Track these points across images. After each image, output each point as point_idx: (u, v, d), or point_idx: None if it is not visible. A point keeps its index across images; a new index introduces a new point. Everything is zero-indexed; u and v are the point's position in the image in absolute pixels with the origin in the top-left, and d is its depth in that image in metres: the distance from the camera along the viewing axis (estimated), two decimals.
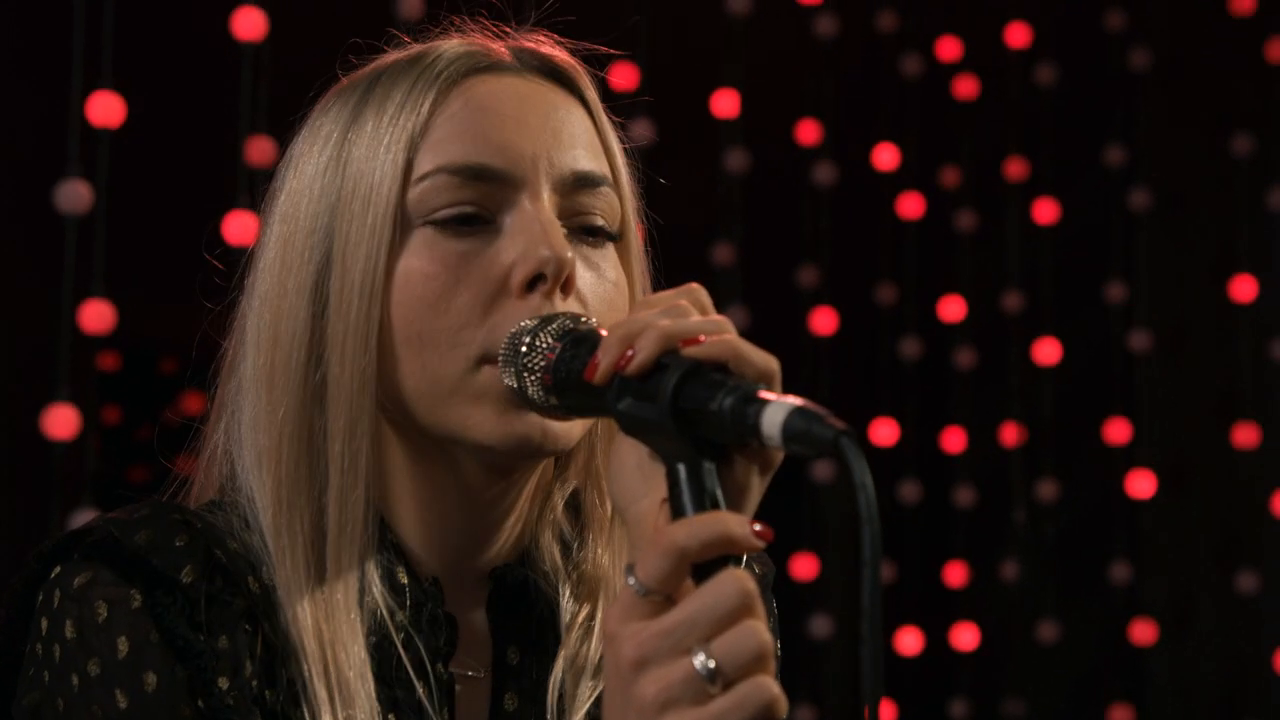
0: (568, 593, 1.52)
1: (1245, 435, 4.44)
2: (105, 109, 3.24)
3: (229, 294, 1.53)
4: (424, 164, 1.42)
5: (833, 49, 4.27)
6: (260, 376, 1.44)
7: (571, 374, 1.31)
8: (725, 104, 4.08)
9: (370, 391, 1.40)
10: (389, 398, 1.42)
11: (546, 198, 1.43)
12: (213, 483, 1.49)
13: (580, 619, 1.50)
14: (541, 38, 1.52)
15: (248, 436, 1.45)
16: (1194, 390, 4.71)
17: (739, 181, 4.09)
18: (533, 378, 1.34)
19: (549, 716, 1.47)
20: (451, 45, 1.48)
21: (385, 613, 1.42)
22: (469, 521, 1.48)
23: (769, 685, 1.13)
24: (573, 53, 1.52)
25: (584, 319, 1.36)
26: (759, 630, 1.14)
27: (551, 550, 1.53)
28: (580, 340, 1.32)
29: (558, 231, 1.41)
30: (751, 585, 1.15)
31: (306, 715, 1.38)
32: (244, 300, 1.50)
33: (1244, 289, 4.48)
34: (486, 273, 1.40)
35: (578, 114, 1.48)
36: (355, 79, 1.50)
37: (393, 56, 1.50)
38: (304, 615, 1.40)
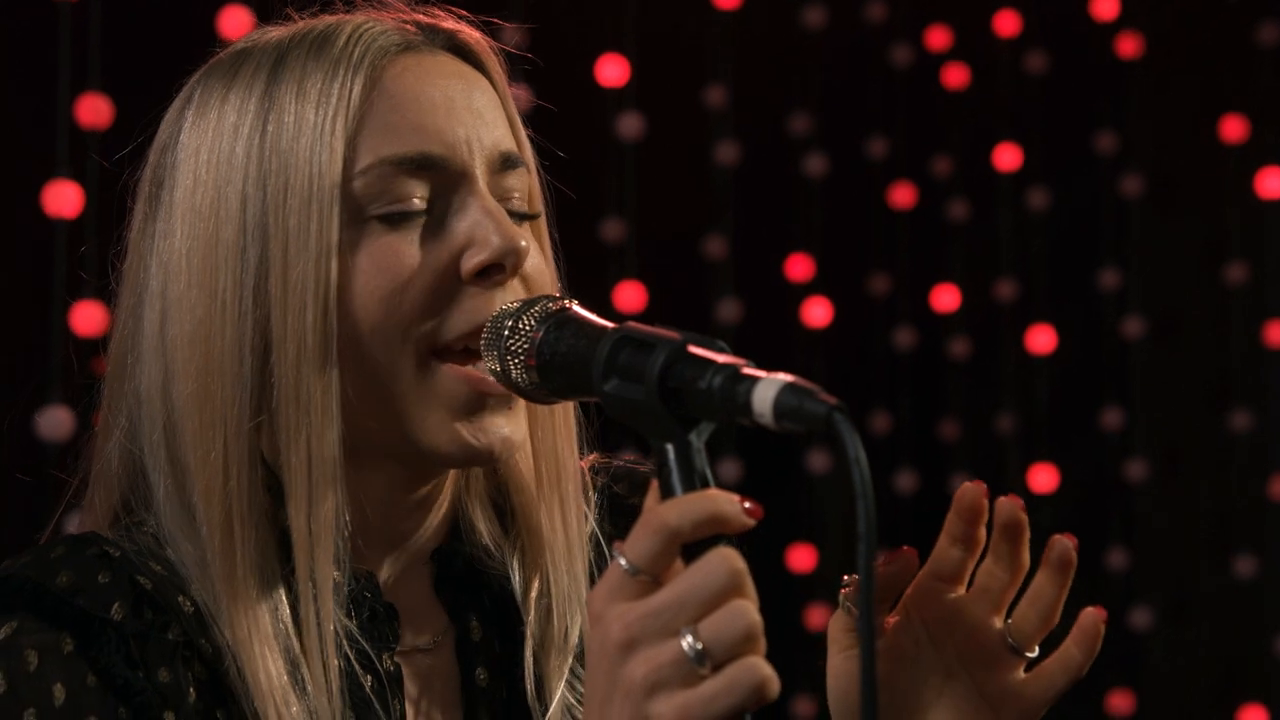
0: (516, 564, 1.50)
1: (1240, 420, 4.44)
2: (93, 111, 3.23)
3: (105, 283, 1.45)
4: (364, 156, 1.39)
5: (822, 40, 4.26)
6: (188, 388, 1.38)
7: (555, 356, 1.31)
8: (715, 96, 4.07)
9: (336, 398, 1.36)
10: (343, 400, 1.38)
11: (483, 181, 1.42)
12: (105, 501, 1.43)
13: (535, 592, 1.49)
14: (437, 11, 1.50)
15: (159, 452, 1.39)
16: (1188, 376, 4.71)
17: (730, 173, 4.09)
18: (516, 361, 1.34)
19: (528, 694, 1.47)
20: (360, 23, 1.44)
21: (336, 604, 1.39)
22: (400, 517, 1.46)
23: (759, 666, 1.12)
24: (471, 24, 1.51)
25: (566, 300, 1.36)
26: (748, 610, 1.12)
27: (487, 523, 1.51)
28: (564, 323, 1.32)
29: (506, 219, 1.41)
30: (741, 564, 1.13)
31: None
32: (128, 296, 1.44)
33: (1236, 274, 4.48)
34: (437, 262, 1.40)
35: (489, 91, 1.47)
36: (245, 56, 1.44)
37: (285, 32, 1.45)
38: (252, 629, 1.35)
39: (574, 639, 1.49)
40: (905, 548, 1.27)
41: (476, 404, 1.39)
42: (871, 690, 1.11)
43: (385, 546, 1.47)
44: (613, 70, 3.86)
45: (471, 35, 1.50)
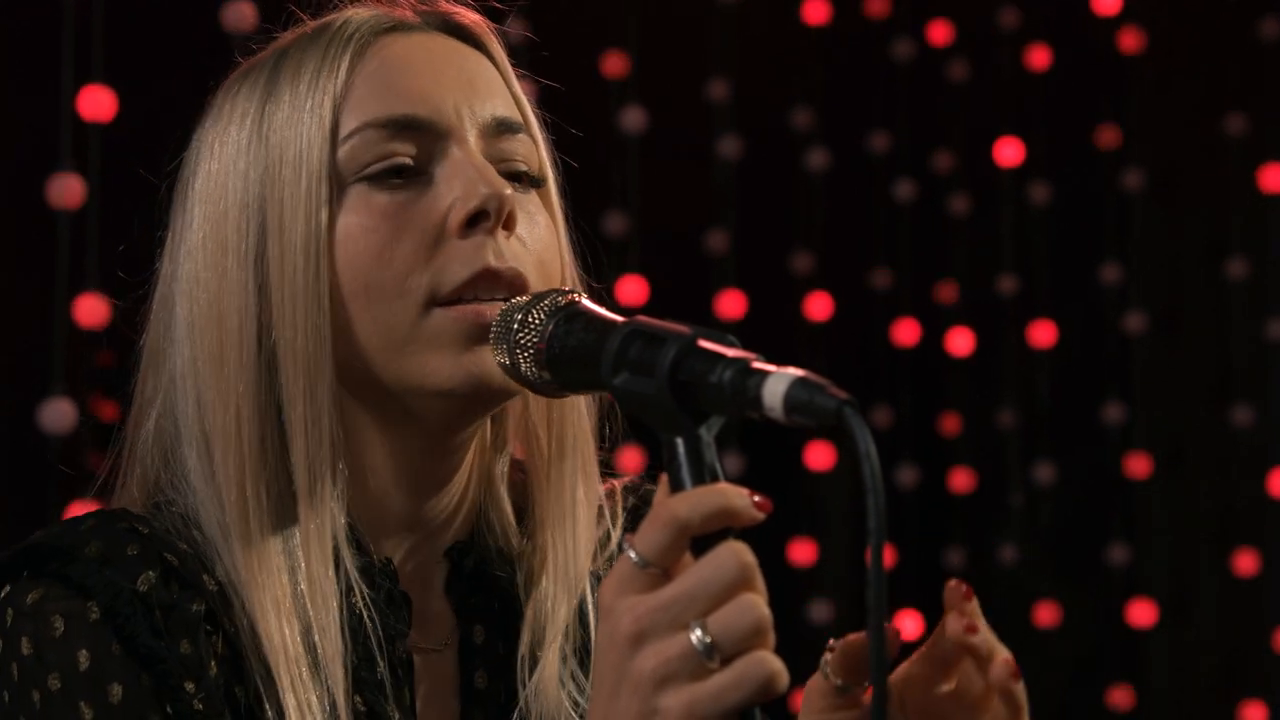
0: (522, 572, 1.51)
1: (1242, 415, 4.44)
2: (96, 103, 3.23)
3: (139, 288, 1.50)
4: (349, 122, 1.43)
5: (824, 34, 4.26)
6: (207, 359, 1.42)
7: (565, 350, 1.31)
8: (717, 90, 4.07)
9: (327, 350, 1.40)
10: (343, 360, 1.41)
11: (474, 143, 1.44)
12: (140, 484, 1.47)
13: (535, 594, 1.50)
14: (443, 4, 1.52)
15: (192, 424, 1.42)
16: (1190, 371, 4.71)
17: (732, 168, 4.09)
18: (525, 355, 1.34)
19: (520, 691, 1.47)
20: (356, 12, 1.49)
21: (356, 578, 1.41)
22: (422, 491, 1.47)
23: (768, 660, 1.12)
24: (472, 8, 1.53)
25: (575, 294, 1.36)
26: (757, 604, 1.12)
27: (503, 524, 1.52)
28: (573, 316, 1.32)
29: (492, 171, 1.43)
30: (750, 558, 1.13)
31: (270, 710, 1.37)
32: (160, 289, 1.48)
33: (1238, 269, 4.48)
34: (426, 219, 1.41)
35: (487, 65, 1.49)
36: (256, 61, 1.50)
37: (293, 34, 1.50)
38: (270, 598, 1.38)
39: (560, 623, 1.49)
40: (889, 624, 1.23)
41: (476, 337, 1.39)
42: (881, 700, 1.11)
43: (404, 534, 1.47)
44: (615, 64, 3.86)
45: (468, 16, 1.52)
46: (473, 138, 1.44)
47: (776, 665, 1.12)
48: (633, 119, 3.84)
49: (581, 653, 1.51)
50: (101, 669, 1.33)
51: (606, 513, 1.57)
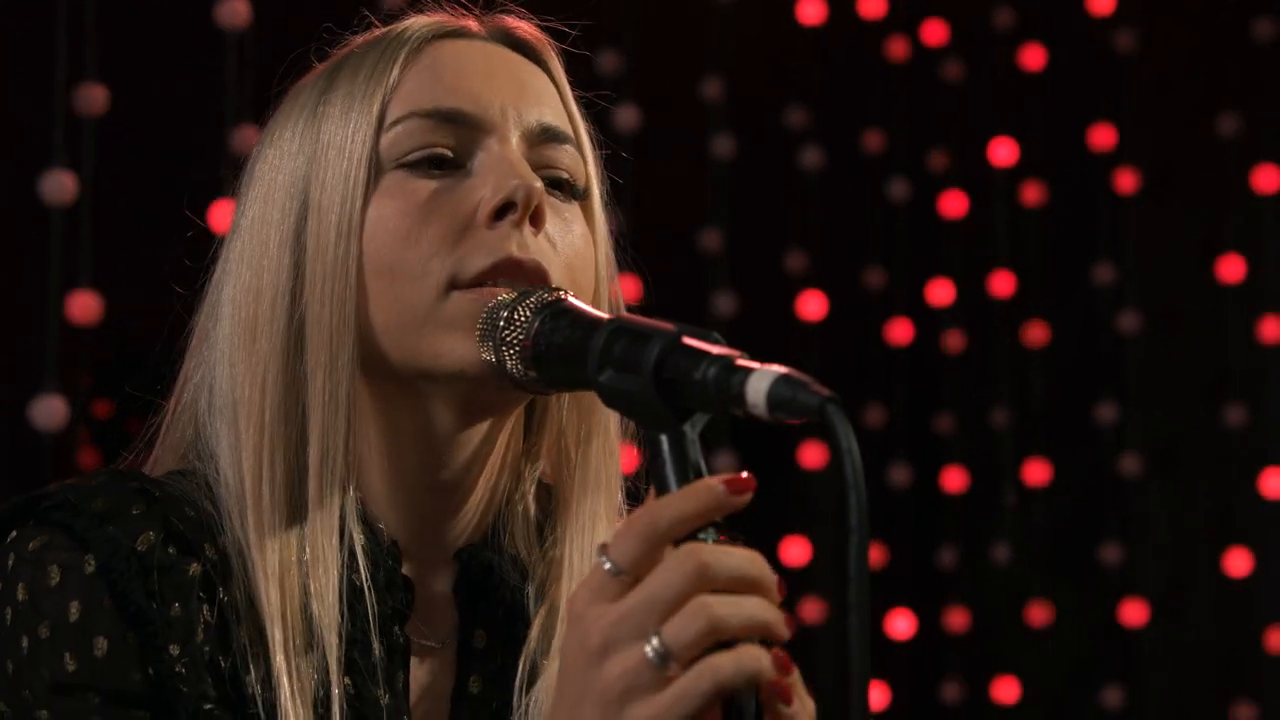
0: (534, 580, 1.51)
1: (1235, 415, 4.44)
2: (89, 99, 3.23)
3: (199, 277, 1.54)
4: (395, 111, 1.45)
5: (819, 33, 4.26)
6: (242, 330, 1.45)
7: (551, 347, 1.31)
8: (711, 89, 4.07)
9: (351, 325, 1.42)
10: (364, 336, 1.43)
11: (515, 143, 1.45)
12: (172, 451, 1.50)
13: (544, 609, 1.49)
14: (510, 15, 1.55)
15: (224, 394, 1.46)
16: (1184, 371, 4.71)
17: (726, 167, 4.09)
18: (511, 351, 1.35)
19: (515, 704, 1.47)
20: (420, 19, 1.52)
21: (361, 554, 1.42)
22: (434, 484, 1.47)
23: (719, 664, 1.12)
24: (541, 29, 1.55)
25: (561, 292, 1.36)
26: (707, 606, 1.12)
27: (524, 534, 1.52)
28: (559, 314, 1.33)
29: (525, 166, 1.44)
30: (704, 557, 1.13)
31: (254, 677, 1.38)
32: (217, 270, 1.52)
33: (1232, 269, 4.48)
34: (457, 208, 1.43)
35: (543, 78, 1.52)
36: (326, 64, 1.53)
37: (363, 39, 1.53)
38: (273, 564, 1.39)
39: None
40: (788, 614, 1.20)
41: (501, 374, 1.40)
42: (864, 691, 1.11)
43: (414, 523, 1.48)
44: (610, 62, 3.86)
45: (529, 31, 1.54)
46: (515, 138, 1.46)
47: (728, 665, 1.12)
48: (627, 118, 3.84)
49: None
50: (90, 621, 1.34)
51: None
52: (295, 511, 1.41)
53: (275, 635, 1.38)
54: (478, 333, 1.38)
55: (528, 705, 1.46)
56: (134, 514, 1.38)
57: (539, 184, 1.43)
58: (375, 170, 1.44)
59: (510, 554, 1.51)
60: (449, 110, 1.45)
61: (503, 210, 1.42)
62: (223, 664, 1.38)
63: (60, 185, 3.18)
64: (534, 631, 1.48)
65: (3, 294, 3.90)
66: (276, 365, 1.43)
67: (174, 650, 1.35)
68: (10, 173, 3.44)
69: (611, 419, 1.52)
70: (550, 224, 1.45)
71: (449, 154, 1.45)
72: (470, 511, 1.50)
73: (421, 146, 1.44)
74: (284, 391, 1.43)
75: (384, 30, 1.52)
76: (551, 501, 1.54)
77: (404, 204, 1.43)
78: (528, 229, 1.42)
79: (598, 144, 1.56)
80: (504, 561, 1.51)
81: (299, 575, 1.40)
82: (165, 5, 3.73)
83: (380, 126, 1.45)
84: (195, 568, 1.39)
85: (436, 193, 1.43)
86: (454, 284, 1.41)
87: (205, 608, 1.38)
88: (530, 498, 1.54)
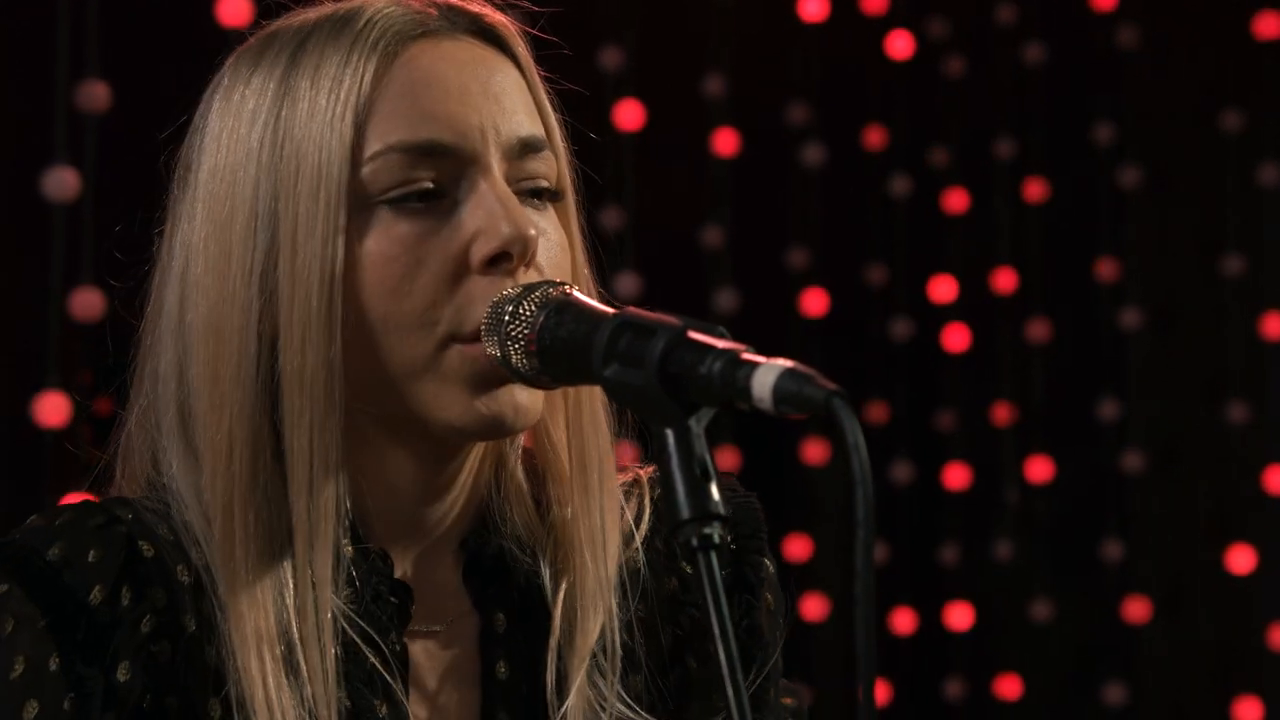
0: (546, 559, 1.49)
1: (1237, 412, 4.44)
2: (91, 96, 3.23)
3: (137, 271, 1.48)
4: (373, 143, 1.39)
5: (820, 30, 4.26)
6: (200, 370, 1.39)
7: (556, 341, 1.31)
8: (713, 86, 4.07)
9: (339, 381, 1.37)
10: (352, 384, 1.39)
11: (497, 168, 1.41)
12: (134, 476, 1.46)
13: (564, 588, 1.48)
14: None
15: (174, 431, 1.41)
16: (1185, 367, 4.71)
17: (727, 163, 4.09)
18: (516, 346, 1.34)
19: (548, 694, 1.46)
20: (381, 6, 1.43)
21: (350, 571, 1.40)
22: (426, 494, 1.46)
23: None
24: (497, 7, 1.49)
25: (566, 286, 1.36)
26: None
27: (523, 514, 1.50)
28: (564, 308, 1.32)
29: (517, 206, 1.40)
30: None
31: (232, 700, 1.36)
32: (156, 276, 1.45)
33: (1234, 265, 4.48)
34: (446, 250, 1.39)
35: (513, 75, 1.46)
36: (272, 40, 1.44)
37: (313, 15, 1.45)
38: (253, 629, 1.36)
39: (594, 636, 1.47)
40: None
41: (491, 378, 1.38)
42: (870, 687, 1.11)
43: (405, 530, 1.47)
44: (611, 59, 3.86)
45: (496, 18, 1.48)
46: (496, 162, 1.41)
47: None
48: (628, 114, 3.84)
49: (623, 662, 1.49)
50: (30, 679, 1.33)
51: (634, 501, 1.53)
52: (270, 564, 1.38)
53: (257, 696, 1.35)
54: (483, 327, 1.37)
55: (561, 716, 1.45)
56: (90, 561, 1.36)
57: (533, 230, 1.39)
58: (354, 206, 1.38)
59: (515, 535, 1.50)
60: (429, 144, 1.39)
61: (497, 259, 1.38)
62: (169, 704, 1.36)
63: (62, 182, 3.18)
64: (557, 616, 1.47)
65: (4, 291, 3.90)
66: (245, 415, 1.37)
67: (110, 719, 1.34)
68: (12, 169, 3.44)
69: None
70: (539, 251, 1.42)
71: (430, 186, 1.39)
72: (458, 503, 1.48)
73: (404, 183, 1.38)
74: (254, 444, 1.37)
75: (341, 10, 1.43)
76: (542, 473, 1.51)
77: (391, 249, 1.37)
78: (520, 270, 1.39)
79: (563, 124, 1.51)
80: (509, 544, 1.49)
81: (280, 628, 1.37)
82: (167, 2, 3.73)
83: (355, 156, 1.38)
84: (149, 619, 1.36)
85: (423, 235, 1.38)
86: (453, 338, 1.38)
87: (159, 653, 1.36)
88: (519, 473, 1.51)
